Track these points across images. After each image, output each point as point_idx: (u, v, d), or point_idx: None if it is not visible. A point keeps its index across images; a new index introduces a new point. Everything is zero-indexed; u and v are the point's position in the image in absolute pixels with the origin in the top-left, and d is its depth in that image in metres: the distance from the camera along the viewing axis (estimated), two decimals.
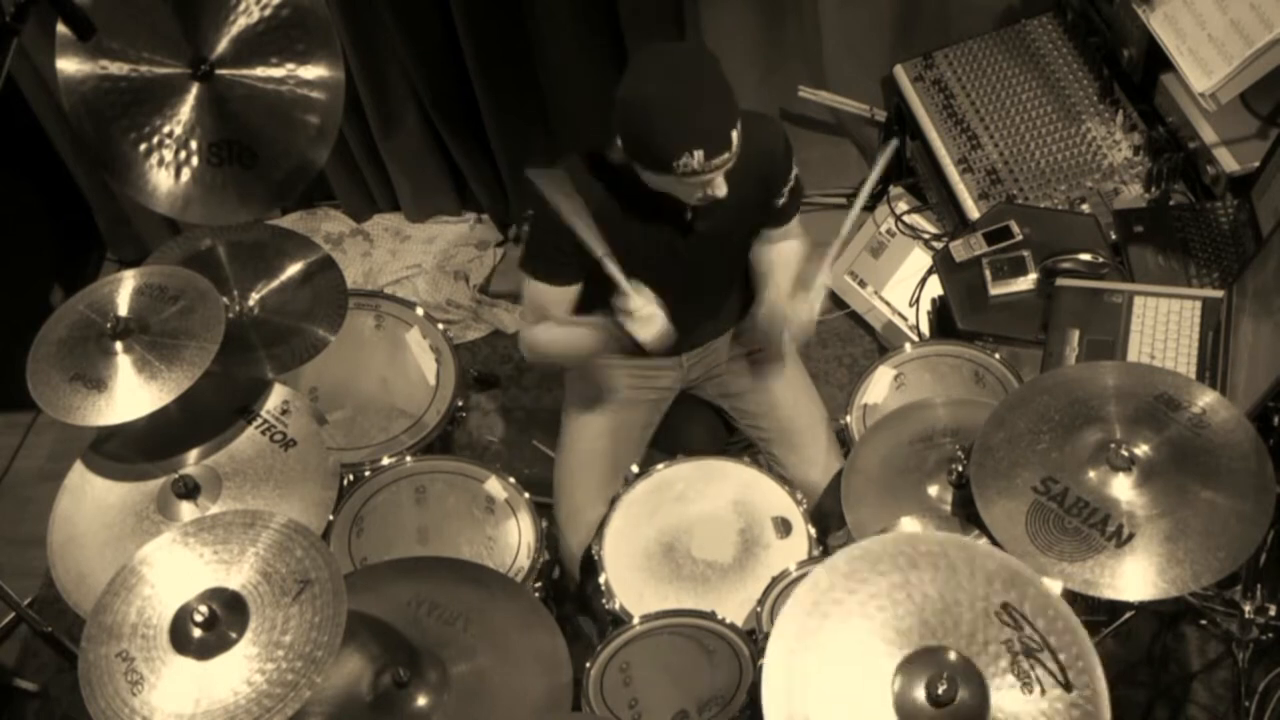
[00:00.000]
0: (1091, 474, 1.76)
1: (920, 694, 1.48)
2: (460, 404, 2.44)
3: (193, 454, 2.12)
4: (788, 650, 1.53)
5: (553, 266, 2.08)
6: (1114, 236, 2.47)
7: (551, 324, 2.13)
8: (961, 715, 1.47)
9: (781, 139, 2.08)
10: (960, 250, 2.50)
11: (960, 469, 1.92)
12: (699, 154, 1.81)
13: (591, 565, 2.12)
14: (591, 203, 2.00)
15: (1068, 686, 1.49)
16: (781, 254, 2.22)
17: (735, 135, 1.84)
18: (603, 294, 2.14)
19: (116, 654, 1.61)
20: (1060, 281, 2.34)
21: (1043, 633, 1.52)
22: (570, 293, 2.12)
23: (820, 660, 1.51)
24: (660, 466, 2.24)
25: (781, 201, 2.13)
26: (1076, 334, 2.23)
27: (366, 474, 2.24)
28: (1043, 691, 1.49)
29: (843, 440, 2.30)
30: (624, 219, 2.02)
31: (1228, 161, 2.39)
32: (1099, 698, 1.48)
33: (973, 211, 2.66)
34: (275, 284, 2.35)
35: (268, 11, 2.10)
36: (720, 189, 1.90)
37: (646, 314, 1.98)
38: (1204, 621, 2.34)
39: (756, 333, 2.20)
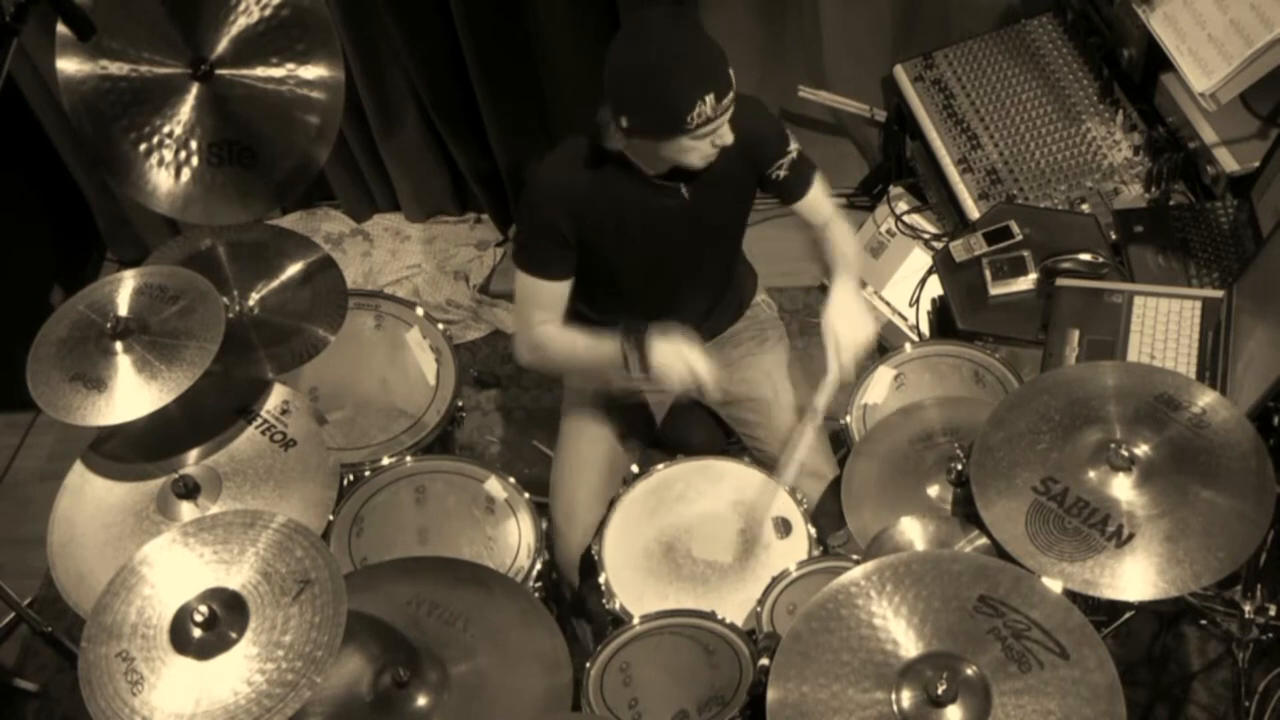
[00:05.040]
0: (1091, 474, 1.76)
1: (922, 702, 1.49)
2: (460, 404, 2.44)
3: (193, 454, 2.11)
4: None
5: (545, 260, 2.09)
6: (1114, 236, 2.47)
7: (574, 336, 2.13)
8: (969, 709, 1.49)
9: (765, 116, 2.11)
10: (960, 250, 2.50)
11: (960, 469, 1.92)
12: (710, 99, 1.84)
13: (591, 565, 2.12)
14: (589, 190, 2.02)
15: (1064, 654, 1.51)
16: (836, 246, 2.21)
17: (715, 100, 1.86)
18: (603, 288, 2.15)
19: (116, 654, 1.61)
20: (1060, 281, 2.34)
21: (1024, 611, 1.55)
22: (564, 287, 2.12)
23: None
24: (660, 466, 2.24)
25: (782, 174, 2.14)
26: (1076, 334, 2.23)
27: (366, 474, 2.24)
28: (1042, 666, 1.51)
29: (843, 440, 2.30)
30: (621, 206, 2.03)
31: (1228, 161, 2.39)
32: (1098, 656, 1.50)
33: (973, 211, 2.66)
34: (275, 284, 2.34)
35: (268, 11, 2.09)
36: (728, 136, 1.92)
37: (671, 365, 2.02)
38: (1204, 621, 2.34)
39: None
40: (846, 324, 2.08)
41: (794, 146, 2.14)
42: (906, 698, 1.50)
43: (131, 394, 1.97)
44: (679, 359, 2.04)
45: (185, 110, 2.11)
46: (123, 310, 2.05)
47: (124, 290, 2.09)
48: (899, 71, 2.98)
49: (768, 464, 2.31)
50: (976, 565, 1.63)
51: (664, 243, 2.09)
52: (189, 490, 2.04)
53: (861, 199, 3.36)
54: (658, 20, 1.90)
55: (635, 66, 1.88)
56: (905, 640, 1.55)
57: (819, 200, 2.21)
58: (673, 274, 2.14)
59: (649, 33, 1.89)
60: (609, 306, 2.24)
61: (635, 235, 2.04)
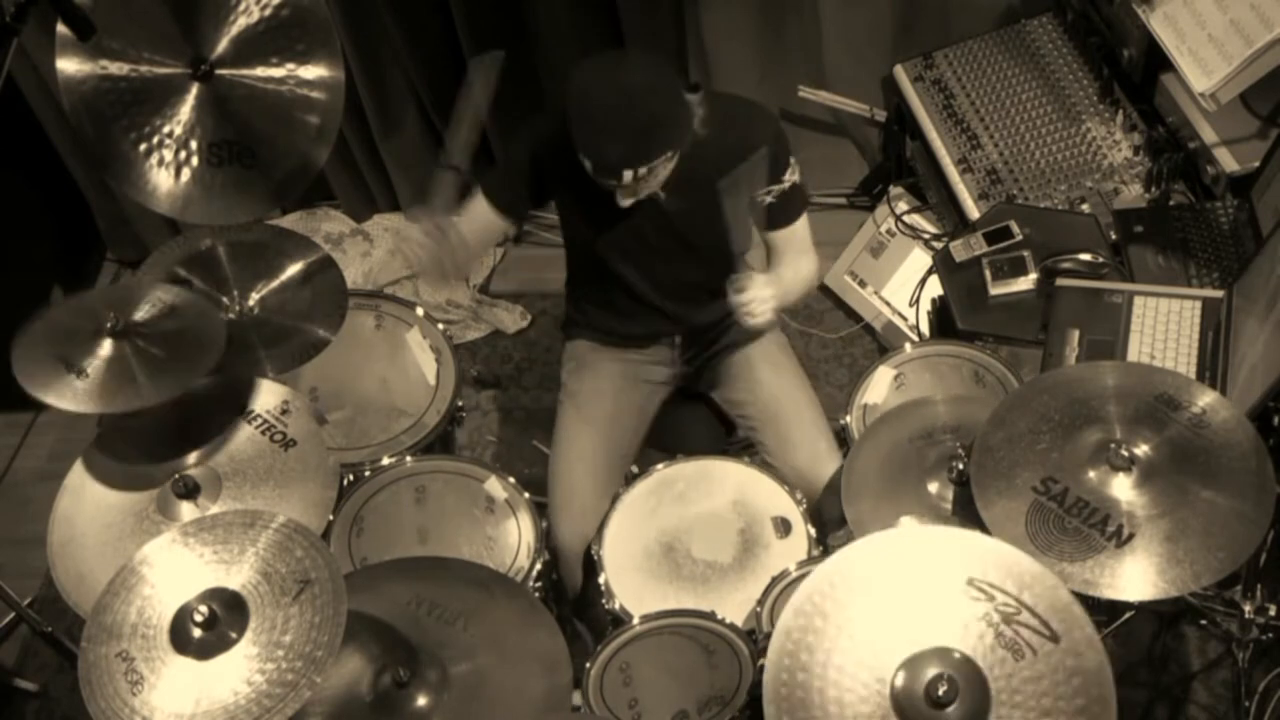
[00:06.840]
0: (1091, 474, 1.76)
1: (922, 702, 1.49)
2: (460, 404, 2.44)
3: (193, 454, 2.11)
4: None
5: (497, 184, 2.19)
6: (1114, 236, 2.47)
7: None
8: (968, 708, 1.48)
9: (770, 133, 2.04)
10: (960, 250, 2.50)
11: (961, 467, 1.92)
12: (589, 164, 1.88)
13: (591, 565, 2.12)
14: (565, 160, 2.01)
15: (1055, 638, 1.50)
16: (784, 267, 2.19)
17: (633, 172, 1.86)
18: (587, 279, 2.23)
19: (116, 654, 1.61)
20: (1060, 281, 2.34)
21: (1014, 594, 1.53)
22: (487, 212, 2.19)
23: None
24: (660, 466, 2.24)
25: (768, 200, 2.07)
26: (1076, 334, 2.23)
27: (366, 474, 2.24)
28: (1034, 653, 1.50)
29: (843, 440, 2.30)
30: (588, 183, 2.02)
31: (1228, 161, 2.39)
32: (1087, 639, 1.49)
33: (973, 211, 2.66)
34: (275, 284, 2.35)
35: (268, 11, 2.09)
36: (627, 202, 1.95)
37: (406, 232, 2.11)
38: (1204, 621, 2.35)
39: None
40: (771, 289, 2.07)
41: (791, 176, 2.07)
42: (906, 697, 1.50)
43: (104, 389, 1.97)
44: (407, 234, 2.13)
45: (185, 110, 2.11)
46: (125, 313, 2.05)
47: (139, 296, 2.10)
48: (899, 71, 2.98)
49: (761, 450, 2.30)
50: (963, 544, 1.60)
51: (625, 230, 2.09)
52: (189, 490, 2.04)
53: (861, 199, 3.36)
54: (617, 72, 1.90)
55: (575, 102, 1.87)
56: (902, 639, 1.54)
57: (794, 238, 2.16)
58: (646, 263, 2.15)
59: (600, 75, 1.88)
60: (586, 299, 2.32)
61: (602, 215, 2.05)
